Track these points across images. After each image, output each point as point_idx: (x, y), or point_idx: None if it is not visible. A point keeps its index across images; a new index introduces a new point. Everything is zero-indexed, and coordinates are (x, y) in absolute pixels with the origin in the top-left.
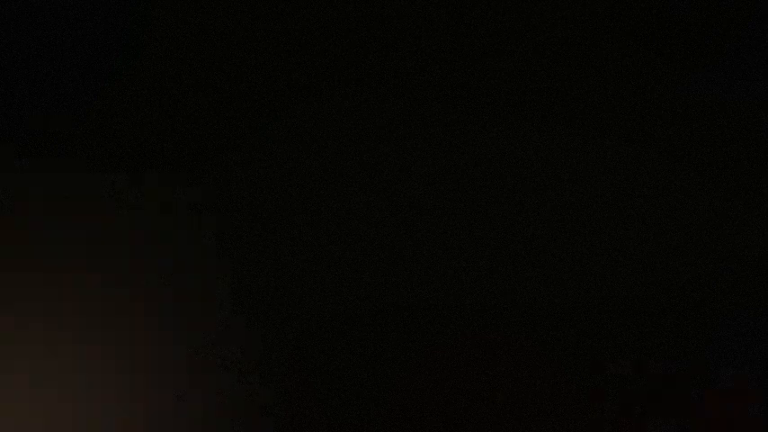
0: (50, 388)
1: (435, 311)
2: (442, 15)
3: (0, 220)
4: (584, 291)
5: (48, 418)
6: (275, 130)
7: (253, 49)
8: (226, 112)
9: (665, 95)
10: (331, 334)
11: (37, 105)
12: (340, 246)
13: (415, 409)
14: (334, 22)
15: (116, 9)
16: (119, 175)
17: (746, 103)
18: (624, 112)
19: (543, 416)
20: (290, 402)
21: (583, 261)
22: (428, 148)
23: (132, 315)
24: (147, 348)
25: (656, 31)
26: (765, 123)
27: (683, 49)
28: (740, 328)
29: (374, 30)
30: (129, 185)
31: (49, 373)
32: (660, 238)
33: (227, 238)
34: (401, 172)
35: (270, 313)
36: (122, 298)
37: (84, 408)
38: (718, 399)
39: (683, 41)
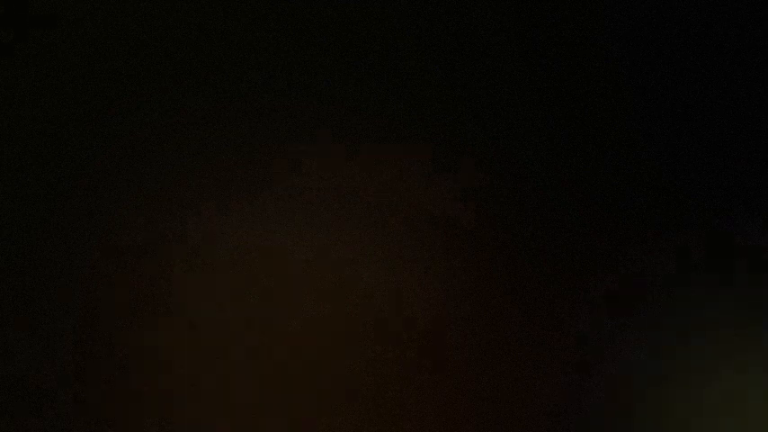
0: None
1: (435, 311)
2: (442, 15)
3: None
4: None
5: None
6: (275, 130)
7: (253, 49)
8: (226, 113)
9: (664, 95)
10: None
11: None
12: (340, 245)
13: (416, 409)
14: (335, 22)
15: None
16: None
17: (746, 103)
18: (624, 112)
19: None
20: (289, 402)
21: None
22: (428, 148)
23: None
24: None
25: (656, 30)
26: (765, 123)
27: (683, 49)
28: None
29: (374, 30)
30: None
31: None
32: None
33: (227, 238)
34: (401, 172)
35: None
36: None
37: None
38: None
39: (682, 41)
